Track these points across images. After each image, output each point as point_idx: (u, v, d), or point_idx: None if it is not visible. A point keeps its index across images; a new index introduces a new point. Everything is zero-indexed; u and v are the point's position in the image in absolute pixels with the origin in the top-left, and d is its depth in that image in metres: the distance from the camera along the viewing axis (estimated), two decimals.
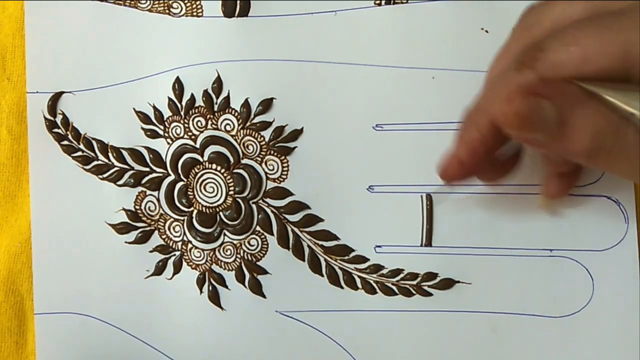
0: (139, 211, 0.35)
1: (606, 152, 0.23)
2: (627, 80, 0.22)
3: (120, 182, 0.35)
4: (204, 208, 0.34)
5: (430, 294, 0.33)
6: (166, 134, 0.35)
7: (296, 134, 0.34)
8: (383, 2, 0.33)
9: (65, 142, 0.35)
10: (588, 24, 0.23)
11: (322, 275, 0.34)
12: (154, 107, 0.35)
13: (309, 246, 0.34)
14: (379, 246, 0.33)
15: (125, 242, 0.35)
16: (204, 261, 0.34)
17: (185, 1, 0.34)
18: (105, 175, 0.35)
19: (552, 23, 0.25)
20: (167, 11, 0.35)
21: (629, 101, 0.22)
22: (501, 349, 0.33)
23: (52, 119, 0.35)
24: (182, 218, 0.35)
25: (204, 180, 0.34)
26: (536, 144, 0.24)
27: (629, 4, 0.23)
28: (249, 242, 0.34)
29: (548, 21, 0.25)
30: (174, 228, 0.35)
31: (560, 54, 0.23)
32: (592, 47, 0.22)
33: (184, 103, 0.34)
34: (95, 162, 0.35)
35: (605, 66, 0.22)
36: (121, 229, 0.35)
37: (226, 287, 0.34)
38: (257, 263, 0.34)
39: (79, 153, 0.35)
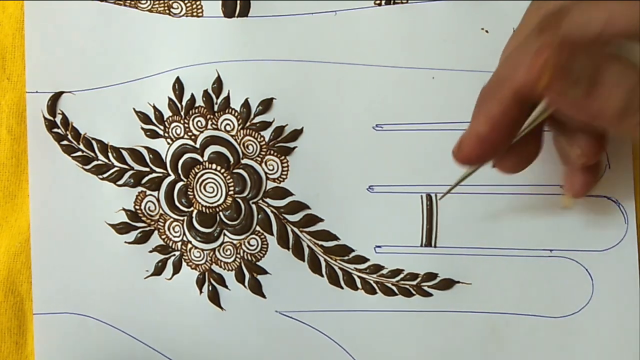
0: (138, 211, 0.35)
1: (636, 112, 0.22)
2: None
3: (120, 182, 0.35)
4: (203, 208, 0.34)
5: (430, 294, 0.33)
6: (166, 134, 0.35)
7: (296, 134, 0.34)
8: (383, 2, 0.34)
9: (65, 142, 0.35)
10: None
11: (322, 276, 0.34)
12: (154, 107, 0.35)
13: (308, 246, 0.34)
14: (379, 246, 0.33)
15: (125, 242, 0.35)
16: (203, 261, 0.34)
17: (186, 1, 0.34)
18: (105, 175, 0.35)
19: None
20: (167, 11, 0.35)
21: None
22: (501, 349, 0.33)
23: (51, 118, 0.35)
24: (182, 218, 0.35)
25: (203, 180, 0.34)
26: (566, 104, 0.23)
27: None
28: (248, 242, 0.34)
29: None
30: (173, 228, 0.35)
31: (587, 13, 0.22)
32: (617, 7, 0.22)
33: (184, 103, 0.34)
34: (95, 162, 0.35)
35: (632, 27, 0.22)
36: (121, 229, 0.35)
37: (226, 287, 0.34)
38: (257, 263, 0.34)
39: (79, 153, 0.35)
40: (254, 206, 0.34)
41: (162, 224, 0.35)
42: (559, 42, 0.22)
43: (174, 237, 0.35)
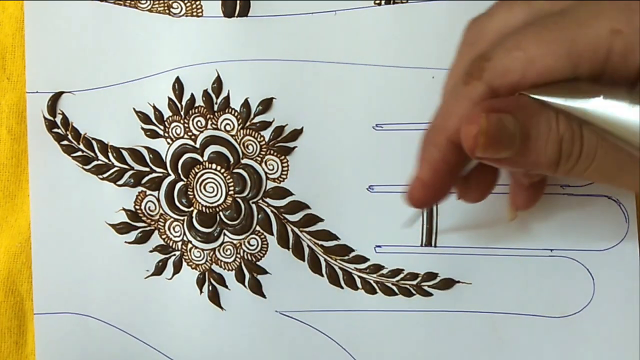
0: (139, 211, 0.35)
1: (572, 160, 0.23)
2: (577, 78, 0.22)
3: (120, 182, 0.35)
4: (204, 208, 0.34)
5: (430, 294, 0.33)
6: (166, 134, 0.35)
7: (296, 133, 0.34)
8: (383, 2, 0.33)
9: (65, 142, 0.35)
10: (529, 28, 0.23)
11: (322, 275, 0.34)
12: (154, 107, 0.35)
13: (308, 246, 0.34)
14: (379, 246, 0.33)
15: (125, 242, 0.35)
16: (203, 261, 0.34)
17: (185, 1, 0.34)
18: (105, 175, 0.35)
19: (495, 34, 0.24)
20: (167, 11, 0.35)
21: (580, 101, 0.22)
22: (501, 348, 0.33)
23: (51, 119, 0.35)
24: (182, 218, 0.35)
25: (204, 180, 0.34)
26: (501, 162, 0.24)
27: (570, 4, 0.23)
28: (248, 242, 0.34)
29: (491, 33, 0.25)
30: (174, 228, 0.35)
31: (505, 60, 0.23)
32: (535, 50, 0.22)
33: (184, 103, 0.34)
34: (95, 162, 0.35)
35: (551, 67, 0.22)
36: (121, 229, 0.35)
37: (226, 287, 0.34)
38: (257, 263, 0.34)
39: (79, 153, 0.35)
40: (254, 206, 0.34)
41: (162, 224, 0.35)
42: (488, 107, 0.22)
43: (174, 237, 0.35)
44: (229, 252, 0.34)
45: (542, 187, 0.31)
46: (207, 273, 0.34)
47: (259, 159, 0.34)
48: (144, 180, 0.35)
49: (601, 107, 0.21)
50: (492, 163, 0.24)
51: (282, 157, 0.34)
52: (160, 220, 0.35)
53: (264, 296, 0.34)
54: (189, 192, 0.35)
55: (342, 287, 0.34)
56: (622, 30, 0.21)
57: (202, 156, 0.34)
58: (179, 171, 0.35)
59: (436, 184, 0.26)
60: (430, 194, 0.26)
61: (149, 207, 0.35)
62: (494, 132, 0.22)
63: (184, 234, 0.34)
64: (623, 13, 0.21)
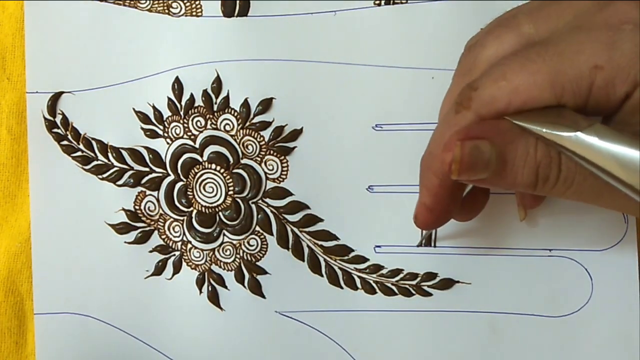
0: (138, 211, 0.35)
1: (550, 184, 0.24)
2: (561, 105, 0.23)
3: (120, 182, 0.35)
4: (203, 208, 0.34)
5: (430, 294, 0.33)
6: (166, 134, 0.35)
7: (296, 133, 0.34)
8: (383, 2, 0.33)
9: (65, 142, 0.35)
10: (513, 58, 0.24)
11: (322, 276, 0.34)
12: (154, 107, 0.35)
13: (308, 246, 0.34)
14: (379, 246, 0.33)
15: (125, 242, 0.35)
16: (203, 261, 0.34)
17: (185, 1, 0.34)
18: (105, 175, 0.35)
19: (487, 64, 0.25)
20: (166, 11, 0.35)
21: (559, 132, 0.22)
22: (501, 349, 0.33)
23: (51, 119, 0.35)
24: (181, 218, 0.35)
25: (203, 180, 0.34)
26: (482, 183, 0.24)
27: (552, 33, 0.24)
28: (248, 242, 0.34)
29: (483, 63, 0.25)
30: (173, 228, 0.35)
31: (491, 89, 0.23)
32: (519, 80, 0.23)
33: (183, 103, 0.34)
34: (95, 162, 0.35)
35: (536, 97, 0.23)
36: (121, 229, 0.35)
37: (226, 287, 0.34)
38: (257, 263, 0.34)
39: (79, 153, 0.35)
40: (253, 206, 0.34)
41: (162, 224, 0.35)
42: (465, 134, 0.23)
43: (174, 237, 0.35)
44: (228, 253, 0.34)
45: None
46: (206, 273, 0.34)
47: (259, 159, 0.34)
48: (143, 181, 0.35)
49: (576, 142, 0.22)
50: (470, 183, 0.25)
51: (282, 157, 0.34)
52: (160, 220, 0.35)
53: (263, 296, 0.34)
54: (189, 192, 0.35)
55: (341, 287, 0.34)
56: (603, 66, 0.22)
57: (201, 156, 0.34)
58: (179, 171, 0.35)
59: (438, 208, 0.27)
60: (435, 217, 0.27)
61: (149, 207, 0.35)
62: (468, 159, 0.23)
63: (184, 234, 0.34)
64: (604, 49, 0.22)
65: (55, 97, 0.35)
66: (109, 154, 0.35)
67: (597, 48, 0.22)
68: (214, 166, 0.34)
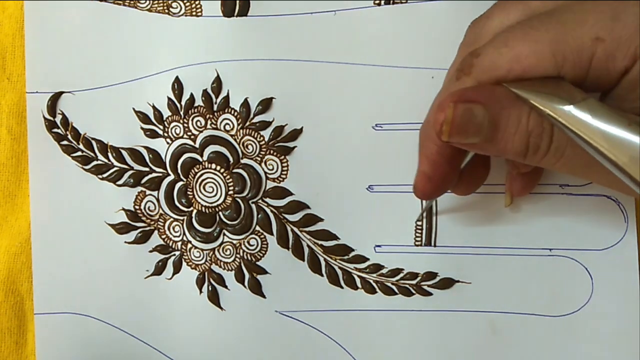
0: (138, 211, 0.35)
1: (540, 153, 0.24)
2: (561, 77, 0.23)
3: (120, 182, 0.35)
4: (203, 208, 0.34)
5: (430, 294, 0.33)
6: (166, 134, 0.35)
7: (296, 133, 0.34)
8: (382, 2, 0.33)
9: (65, 142, 0.35)
10: (517, 27, 0.23)
11: (322, 275, 0.34)
12: (154, 107, 0.35)
13: (308, 246, 0.34)
14: (379, 246, 0.33)
15: (125, 242, 0.35)
16: (203, 261, 0.34)
17: (185, 1, 0.34)
18: (105, 175, 0.35)
19: (491, 35, 0.25)
20: (166, 11, 0.35)
21: (552, 104, 0.22)
22: (501, 348, 0.33)
23: (51, 119, 0.35)
24: (181, 218, 0.35)
25: (203, 180, 0.34)
26: (473, 148, 0.24)
27: (559, 4, 0.23)
28: (248, 242, 0.34)
29: (488, 33, 0.25)
30: (173, 228, 0.35)
31: (493, 56, 0.23)
32: (521, 47, 0.23)
33: (183, 103, 0.34)
34: (95, 162, 0.35)
35: (536, 65, 0.23)
36: (121, 229, 0.35)
37: (226, 287, 0.34)
38: (257, 263, 0.34)
39: (79, 153, 0.35)
40: (253, 206, 0.34)
41: (162, 224, 0.35)
42: (460, 96, 0.23)
43: (174, 237, 0.35)
44: (228, 252, 0.34)
45: (537, 176, 0.31)
46: (206, 273, 0.34)
47: (259, 158, 0.34)
48: (143, 180, 0.35)
49: (568, 114, 0.22)
50: (461, 147, 0.25)
51: (282, 157, 0.34)
52: (160, 220, 0.35)
53: (263, 296, 0.34)
54: (189, 192, 0.35)
55: (341, 287, 0.34)
56: (605, 38, 0.22)
57: (201, 156, 0.34)
58: (179, 171, 0.35)
59: (437, 176, 0.27)
60: (434, 186, 0.27)
61: (149, 207, 0.35)
62: (459, 121, 0.23)
63: (184, 234, 0.34)
64: (606, 21, 0.22)
65: (55, 97, 0.35)
66: (109, 154, 0.35)
67: (599, 19, 0.22)
68: (214, 166, 0.34)
